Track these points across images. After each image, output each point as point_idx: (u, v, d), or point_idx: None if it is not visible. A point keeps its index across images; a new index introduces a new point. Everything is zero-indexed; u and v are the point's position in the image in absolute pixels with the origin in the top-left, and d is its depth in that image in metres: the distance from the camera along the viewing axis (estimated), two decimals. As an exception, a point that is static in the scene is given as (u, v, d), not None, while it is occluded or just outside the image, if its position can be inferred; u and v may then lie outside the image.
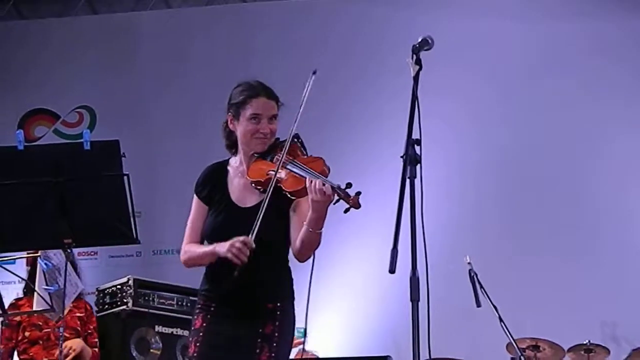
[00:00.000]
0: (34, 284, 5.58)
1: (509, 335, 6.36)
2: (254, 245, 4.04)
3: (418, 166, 3.64)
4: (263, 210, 4.09)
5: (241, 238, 4.06)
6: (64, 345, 6.37)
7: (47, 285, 5.36)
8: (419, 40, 3.79)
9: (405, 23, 8.42)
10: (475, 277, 6.35)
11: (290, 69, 8.25)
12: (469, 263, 6.43)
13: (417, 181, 3.63)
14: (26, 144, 4.84)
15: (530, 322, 7.15)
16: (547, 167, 8.24)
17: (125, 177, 4.83)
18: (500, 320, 6.28)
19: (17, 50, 9.37)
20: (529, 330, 7.01)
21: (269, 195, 4.10)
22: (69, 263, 5.20)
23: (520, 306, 7.30)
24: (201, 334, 4.20)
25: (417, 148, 3.65)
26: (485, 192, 8.27)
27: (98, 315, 6.97)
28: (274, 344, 4.15)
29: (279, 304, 4.20)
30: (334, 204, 3.97)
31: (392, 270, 3.49)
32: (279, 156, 4.18)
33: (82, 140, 4.81)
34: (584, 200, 8.14)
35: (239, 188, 4.32)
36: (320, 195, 3.95)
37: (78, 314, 6.67)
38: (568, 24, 8.42)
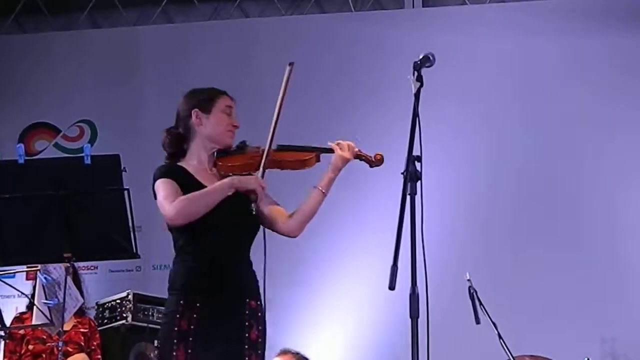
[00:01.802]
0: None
1: (508, 353, 6.34)
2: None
3: (418, 183, 3.64)
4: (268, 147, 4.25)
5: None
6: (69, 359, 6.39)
7: (46, 299, 5.36)
8: (420, 57, 3.79)
9: (408, 37, 8.38)
10: (474, 294, 6.33)
11: (293, 84, 8.22)
12: (468, 280, 6.41)
13: (417, 198, 3.64)
14: (27, 157, 4.86)
15: (530, 339, 7.13)
16: (556, 184, 8.16)
17: (126, 192, 4.84)
18: (500, 337, 6.26)
19: (18, 64, 9.35)
20: (529, 347, 6.98)
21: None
22: (73, 277, 5.21)
23: (519, 323, 7.29)
24: (190, 339, 4.16)
25: (417, 165, 3.66)
26: (488, 211, 8.22)
27: (97, 329, 6.96)
28: (259, 351, 4.22)
29: (259, 302, 4.25)
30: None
31: (391, 287, 3.50)
32: (265, 145, 4.29)
33: (82, 154, 4.82)
34: (587, 215, 8.09)
35: (212, 180, 4.30)
36: (351, 151, 4.31)
37: (82, 330, 6.67)
38: (584, 37, 8.35)
